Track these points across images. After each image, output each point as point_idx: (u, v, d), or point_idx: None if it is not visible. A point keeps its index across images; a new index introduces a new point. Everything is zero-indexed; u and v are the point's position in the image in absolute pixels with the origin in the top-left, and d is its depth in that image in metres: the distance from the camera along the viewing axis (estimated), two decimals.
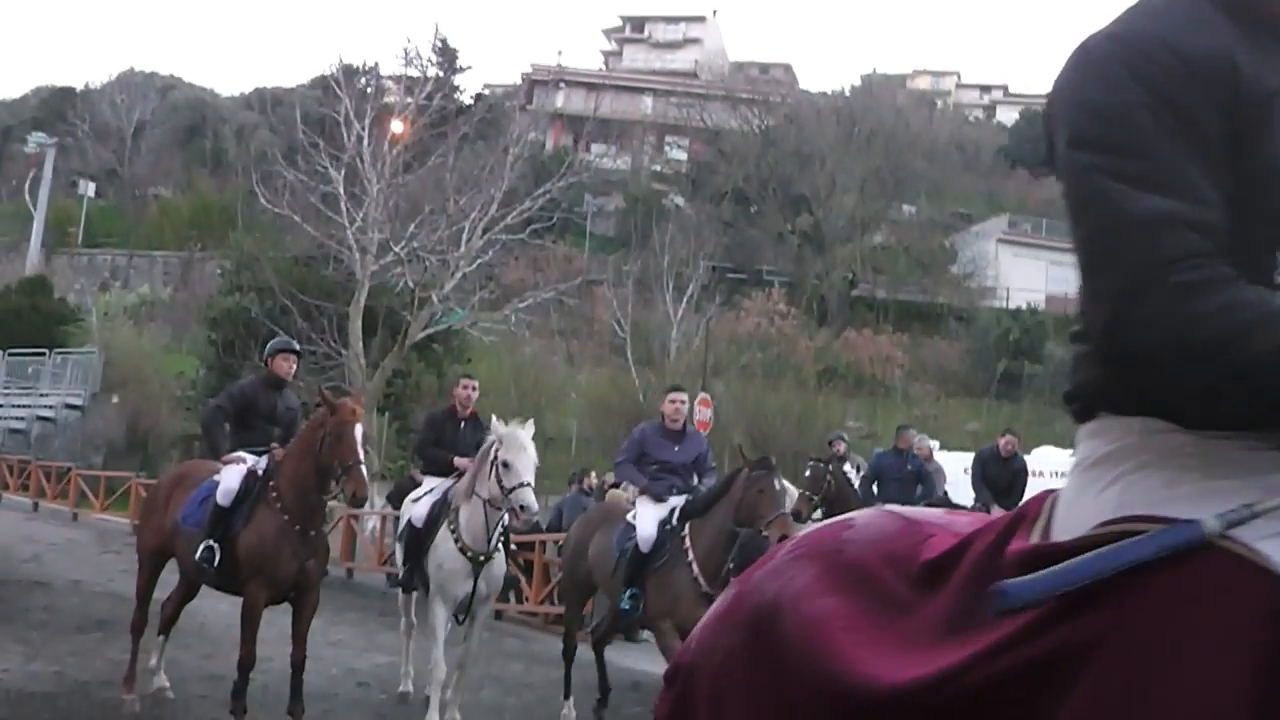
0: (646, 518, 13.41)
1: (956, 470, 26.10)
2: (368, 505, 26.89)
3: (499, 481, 12.58)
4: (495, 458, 12.65)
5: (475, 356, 45.41)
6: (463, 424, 14.46)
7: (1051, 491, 2.50)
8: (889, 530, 2.67)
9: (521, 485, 12.47)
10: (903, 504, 16.40)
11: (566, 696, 14.14)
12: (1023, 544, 2.38)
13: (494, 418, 13.31)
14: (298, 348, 14.49)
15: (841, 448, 21.67)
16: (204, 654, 15.87)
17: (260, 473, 12.47)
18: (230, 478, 12.48)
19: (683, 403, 14.34)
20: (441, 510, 13.52)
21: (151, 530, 13.56)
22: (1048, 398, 59.06)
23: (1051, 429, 49.71)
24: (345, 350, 41.42)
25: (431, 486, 14.31)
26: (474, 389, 14.98)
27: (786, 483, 13.60)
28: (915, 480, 19.90)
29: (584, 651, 14.85)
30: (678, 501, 13.43)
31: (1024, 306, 69.05)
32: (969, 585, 2.38)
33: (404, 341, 41.65)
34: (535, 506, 12.79)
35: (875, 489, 20.24)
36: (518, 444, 12.70)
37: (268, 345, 14.55)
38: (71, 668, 14.35)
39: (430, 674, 13.03)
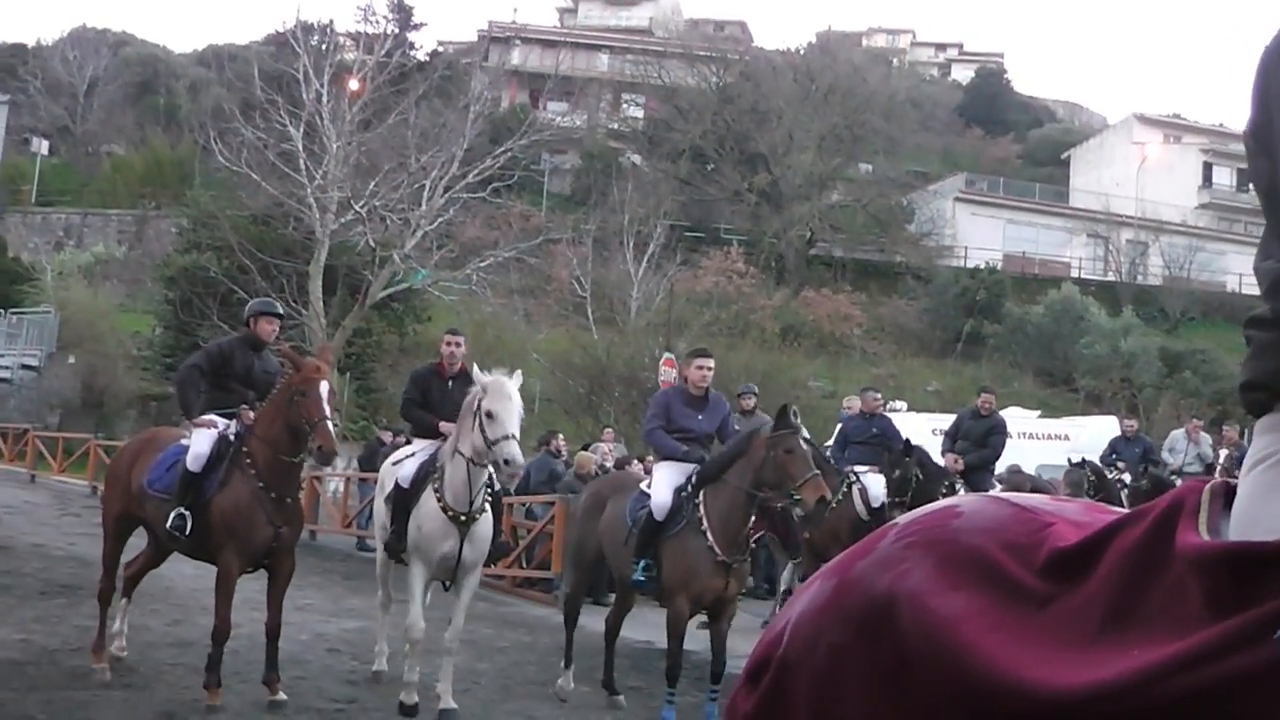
0: (662, 484, 13.08)
1: (925, 430, 26.16)
2: (331, 466, 26.66)
3: (483, 433, 12.19)
4: (479, 409, 12.28)
5: (435, 315, 45.28)
6: (450, 382, 14.04)
7: (1204, 482, 2.33)
8: (1003, 517, 2.49)
9: (506, 438, 12.04)
10: (871, 464, 16.33)
11: (567, 666, 13.86)
12: (1196, 539, 2.18)
13: (475, 367, 13.00)
14: (280, 310, 14.28)
15: (750, 402, 21.39)
16: (171, 619, 15.75)
17: (231, 437, 12.32)
18: (200, 442, 12.34)
19: (710, 369, 13.82)
20: (429, 471, 13.14)
21: (116, 496, 13.42)
22: (1008, 358, 59.23)
23: (1011, 388, 49.82)
24: (305, 310, 41.28)
25: (418, 447, 14.07)
26: (458, 344, 14.52)
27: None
28: (882, 443, 19.81)
29: (550, 615, 14.71)
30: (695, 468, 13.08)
31: (982, 266, 69.12)
32: (1124, 577, 2.20)
33: (364, 301, 41.58)
34: (520, 460, 12.29)
35: (844, 453, 20.21)
36: (502, 393, 12.30)
37: (249, 305, 14.35)
38: (38, 634, 14.20)
39: (408, 635, 12.80)
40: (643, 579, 12.84)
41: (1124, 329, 59.89)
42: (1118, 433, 26.52)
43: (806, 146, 73.53)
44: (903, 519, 2.63)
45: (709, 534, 12.39)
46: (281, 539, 12.02)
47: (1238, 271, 74.44)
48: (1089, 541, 2.27)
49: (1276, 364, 2.20)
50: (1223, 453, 24.19)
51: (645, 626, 16.70)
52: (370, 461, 29.08)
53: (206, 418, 12.60)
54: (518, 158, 47.65)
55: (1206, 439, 26.32)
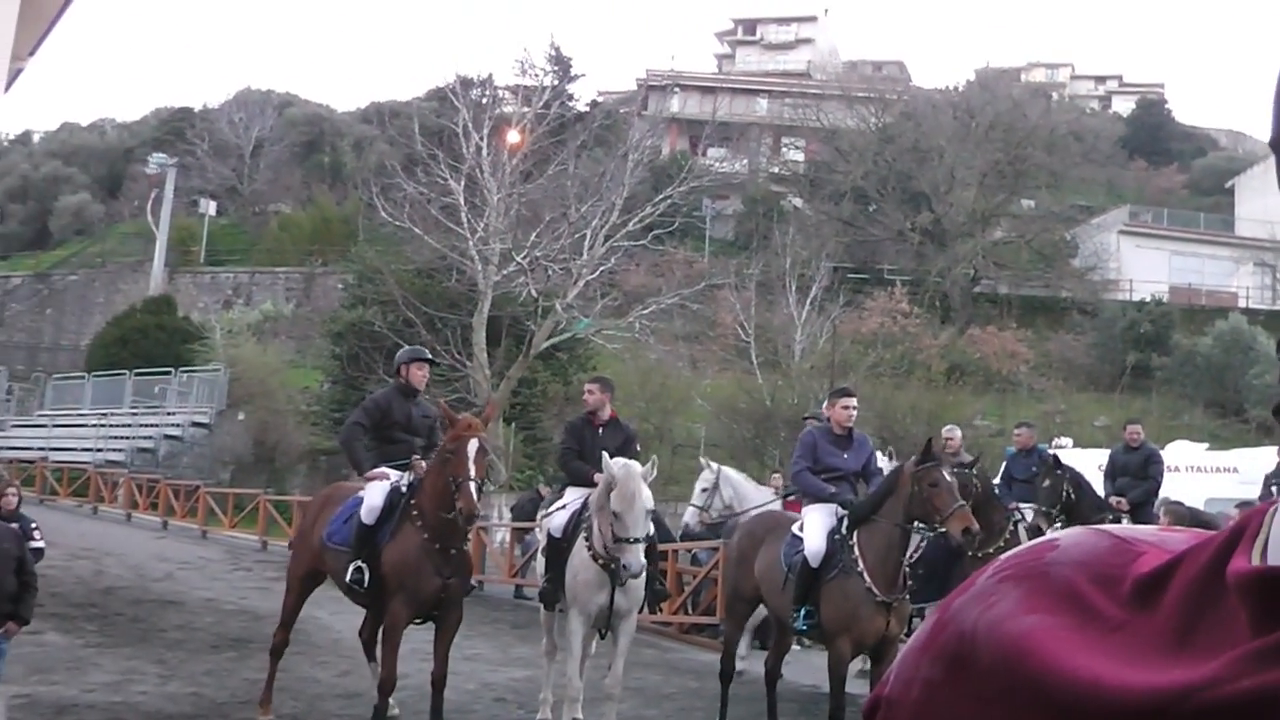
0: (814, 528, 13.00)
1: (1090, 466, 25.65)
2: (495, 516, 26.72)
3: (611, 528, 12.22)
4: (609, 503, 12.25)
5: (600, 364, 45.31)
6: (600, 429, 14.01)
7: (1273, 503, 2.19)
8: (1099, 549, 2.37)
9: (629, 541, 12.10)
10: (1031, 503, 16.11)
11: (723, 718, 13.80)
12: (1244, 564, 2.07)
13: (604, 455, 12.81)
14: (430, 356, 14.35)
15: (955, 443, 20.98)
16: (340, 671, 15.84)
17: (404, 488, 12.35)
18: (374, 495, 12.45)
19: (854, 408, 13.89)
20: (580, 520, 13.16)
21: (302, 552, 13.70)
22: (1177, 390, 58.20)
23: (1181, 422, 49.03)
24: (470, 361, 41.50)
25: (571, 498, 14.02)
26: (591, 393, 14.51)
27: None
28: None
29: (716, 660, 14.55)
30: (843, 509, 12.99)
31: (1148, 298, 68.03)
32: (1187, 602, 2.08)
33: (529, 351, 41.73)
34: (638, 567, 12.22)
35: (1010, 489, 19.86)
36: (628, 492, 12.24)
37: (398, 354, 14.45)
38: (208, 688, 14.35)
39: (564, 690, 12.81)
40: (803, 627, 12.81)
41: None
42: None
43: (968, 183, 72.97)
44: (1005, 555, 2.52)
45: (866, 575, 12.28)
46: (449, 590, 12.03)
47: None
48: (1163, 568, 2.15)
49: None
50: None
51: (810, 670, 16.52)
52: (525, 512, 29.14)
53: (379, 470, 12.69)
54: (678, 205, 47.70)
55: None
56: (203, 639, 17.98)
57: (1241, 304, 72.33)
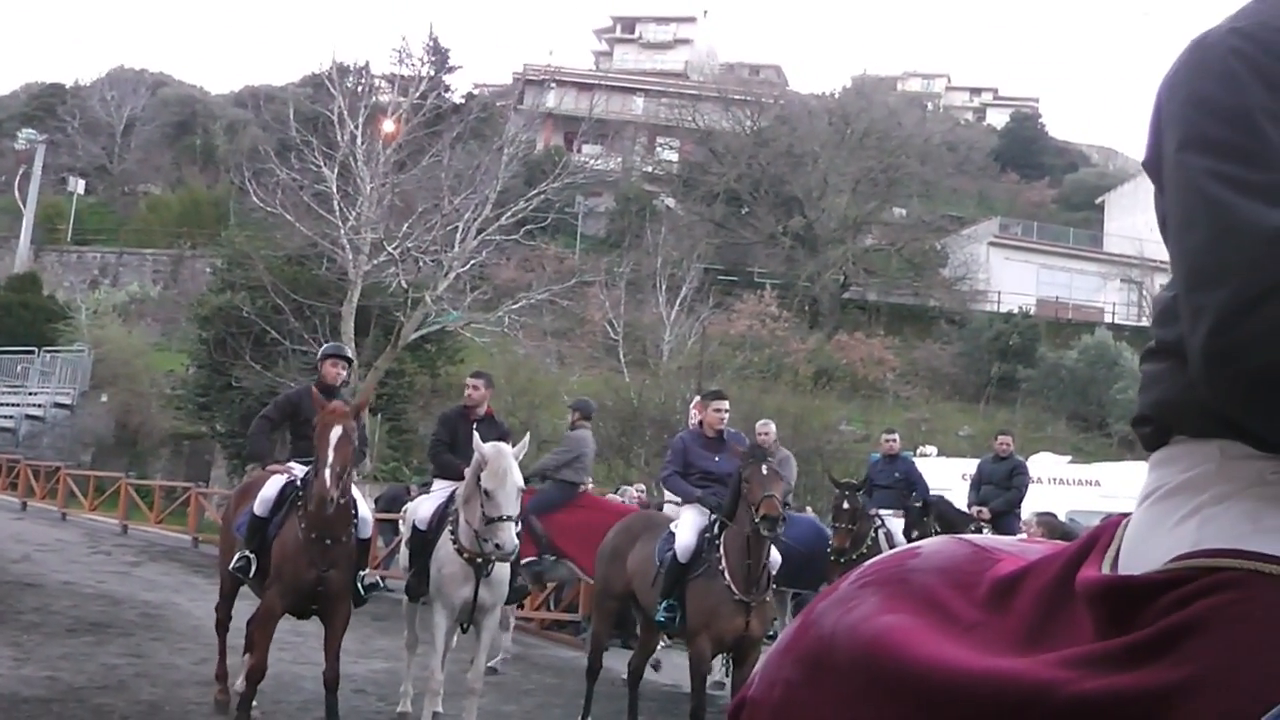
0: (687, 525, 13.09)
1: (955, 476, 25.96)
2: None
3: (482, 508, 12.18)
4: (479, 486, 12.25)
5: (468, 357, 45.20)
6: (476, 424, 14.04)
7: (1126, 516, 2.38)
8: (957, 557, 2.57)
9: (501, 519, 12.05)
10: (894, 509, 16.36)
11: (585, 716, 13.87)
12: (1093, 573, 2.25)
13: (476, 436, 12.84)
14: (349, 354, 14.35)
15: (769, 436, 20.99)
16: (199, 658, 15.72)
17: (298, 482, 12.37)
18: (270, 488, 12.48)
19: (726, 411, 14.02)
20: (446, 513, 13.15)
21: (224, 543, 13.84)
22: (1041, 403, 58.96)
23: (1045, 434, 49.67)
24: None
25: (437, 489, 14.06)
26: (475, 388, 14.59)
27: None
28: (907, 485, 19.69)
29: (577, 658, 14.61)
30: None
31: (1016, 310, 68.99)
32: (1039, 606, 2.27)
33: (397, 341, 41.52)
34: (511, 547, 12.19)
35: (871, 496, 20.06)
36: (499, 470, 12.21)
37: (321, 349, 14.49)
38: (65, 672, 14.19)
39: (427, 685, 12.84)
40: (663, 619, 12.84)
41: None
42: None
43: (841, 190, 73.58)
44: (868, 562, 2.70)
45: (727, 574, 12.37)
46: (327, 583, 11.96)
47: None
48: (1018, 573, 2.34)
49: (1161, 395, 2.22)
50: None
51: (672, 669, 16.65)
52: (393, 504, 29.04)
53: (285, 465, 12.71)
54: (551, 200, 47.65)
55: None
56: (59, 622, 17.77)
57: (1108, 319, 73.73)
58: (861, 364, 60.59)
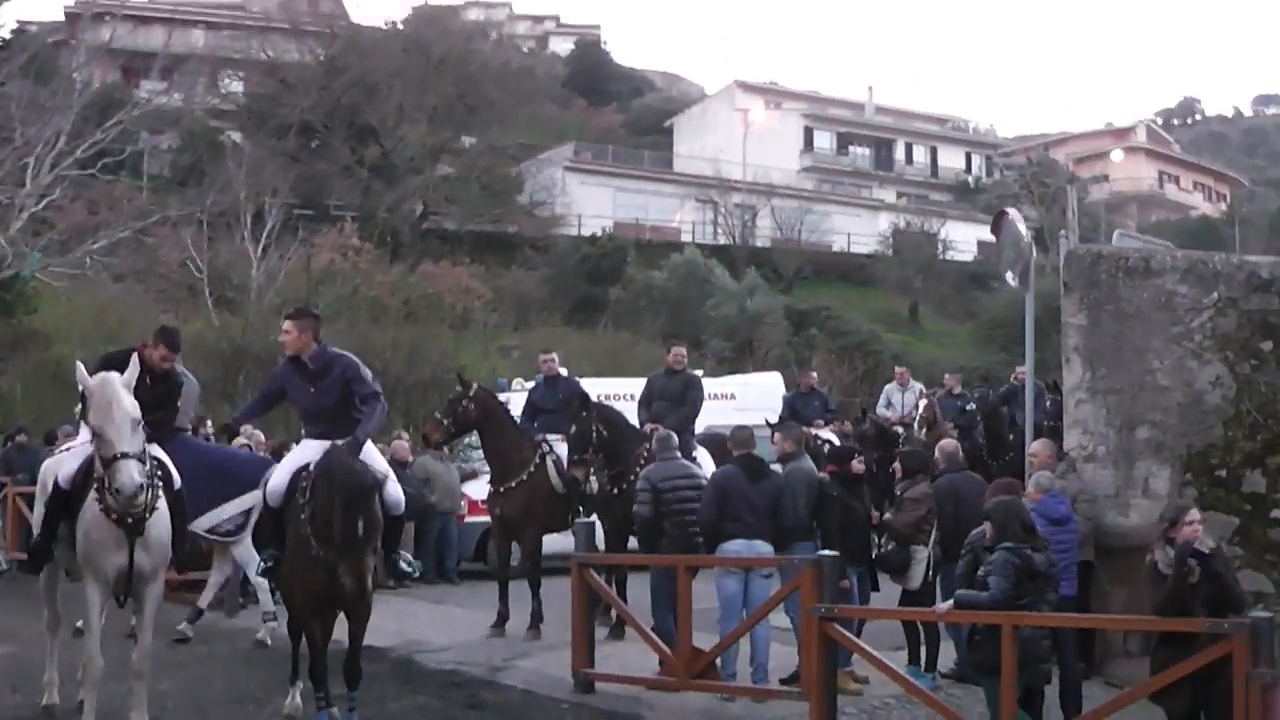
0: (284, 467, 12.04)
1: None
2: None
3: (98, 450, 10.81)
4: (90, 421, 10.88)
5: (45, 304, 42.56)
6: (149, 378, 12.50)
7: None
8: None
9: (116, 458, 10.61)
10: (560, 434, 15.51)
11: (294, 682, 12.53)
12: None
13: (78, 364, 11.49)
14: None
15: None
16: None
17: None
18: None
19: (298, 333, 12.37)
20: (91, 470, 11.42)
21: None
22: (634, 323, 59.02)
23: (640, 350, 49.71)
24: None
25: (79, 442, 12.45)
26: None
27: None
28: (571, 406, 18.93)
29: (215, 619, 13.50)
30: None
31: (600, 233, 69.53)
32: None
33: None
34: (131, 487, 10.62)
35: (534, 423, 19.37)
36: (104, 404, 10.72)
37: None
38: None
39: (84, 671, 11.44)
40: (262, 573, 12.42)
41: (749, 289, 60.99)
42: (782, 389, 26.23)
43: (417, 119, 72.63)
44: None
45: (306, 524, 11.29)
46: None
47: (844, 231, 77.77)
48: None
49: None
50: (921, 402, 23.63)
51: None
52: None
53: None
54: (123, 136, 45.39)
55: (917, 385, 25.93)
56: None
57: (686, 239, 75.37)
58: (449, 293, 59.63)
